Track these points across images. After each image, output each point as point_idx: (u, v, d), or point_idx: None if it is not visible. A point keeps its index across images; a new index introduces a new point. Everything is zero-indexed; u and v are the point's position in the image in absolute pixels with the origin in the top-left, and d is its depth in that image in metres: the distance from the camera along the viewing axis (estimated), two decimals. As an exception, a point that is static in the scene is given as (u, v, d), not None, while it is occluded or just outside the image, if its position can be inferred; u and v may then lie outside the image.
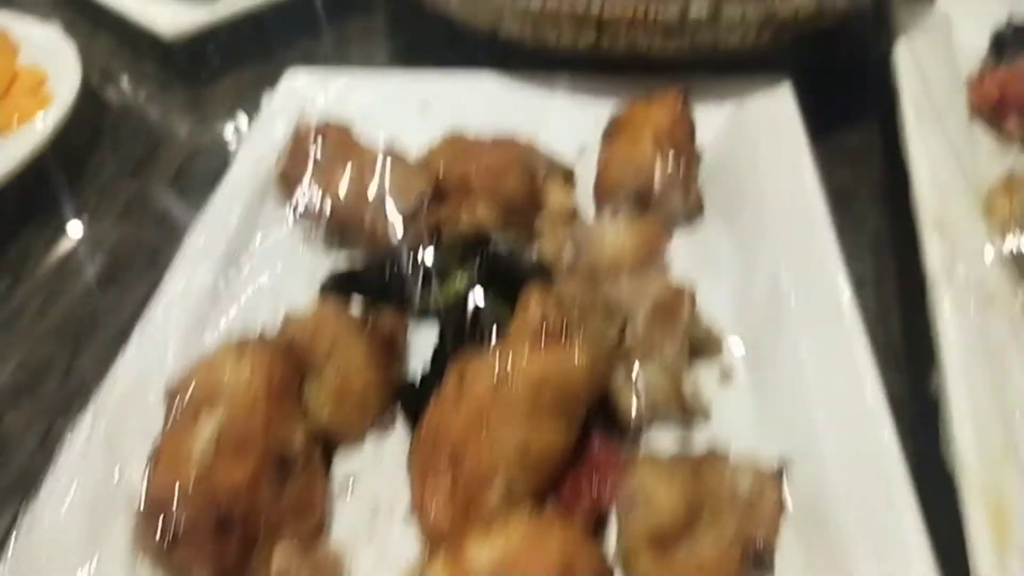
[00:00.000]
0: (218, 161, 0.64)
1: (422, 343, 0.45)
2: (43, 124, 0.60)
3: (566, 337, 0.37)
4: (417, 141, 0.55)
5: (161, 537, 0.33)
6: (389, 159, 0.52)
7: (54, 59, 0.68)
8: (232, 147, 0.66)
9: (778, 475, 0.36)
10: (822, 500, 0.36)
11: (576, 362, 0.36)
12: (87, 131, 0.67)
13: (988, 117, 0.57)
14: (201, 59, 0.73)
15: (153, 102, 0.72)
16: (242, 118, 0.69)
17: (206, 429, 0.35)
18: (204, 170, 0.64)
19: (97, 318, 0.53)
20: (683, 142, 0.49)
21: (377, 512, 0.38)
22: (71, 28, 0.77)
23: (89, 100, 0.68)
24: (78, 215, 0.61)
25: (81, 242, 0.59)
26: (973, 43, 0.64)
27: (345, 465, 0.40)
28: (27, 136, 0.59)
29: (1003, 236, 0.47)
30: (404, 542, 0.37)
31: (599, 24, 0.54)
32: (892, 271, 0.53)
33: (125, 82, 0.74)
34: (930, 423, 0.40)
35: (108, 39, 0.78)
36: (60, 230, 0.60)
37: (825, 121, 0.59)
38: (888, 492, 0.34)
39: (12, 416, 0.47)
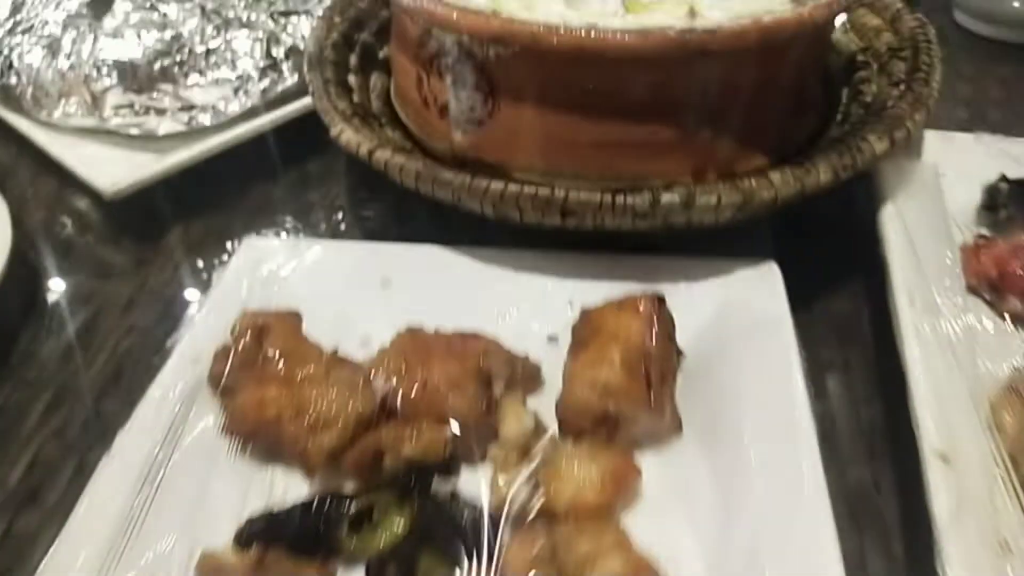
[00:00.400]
0: (158, 337, 0.60)
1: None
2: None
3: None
4: (376, 321, 0.51)
5: None
6: (333, 366, 0.47)
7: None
8: (175, 320, 0.61)
9: None
10: None
11: None
12: (17, 302, 0.62)
13: (986, 292, 0.53)
14: (148, 208, 0.69)
15: (93, 262, 0.67)
16: (189, 282, 0.64)
17: None
18: (142, 349, 0.59)
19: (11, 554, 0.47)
20: (658, 357, 0.45)
21: None
22: (9, 172, 0.74)
23: (21, 265, 0.63)
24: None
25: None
26: (965, 197, 0.61)
27: None
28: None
29: (1014, 462, 0.42)
30: None
31: (564, 209, 0.50)
32: (889, 468, 0.48)
33: (64, 237, 0.70)
34: None
35: (49, 186, 0.74)
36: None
37: (808, 290, 0.55)
38: None
39: None
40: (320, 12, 0.71)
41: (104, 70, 0.70)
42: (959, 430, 0.43)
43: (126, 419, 0.47)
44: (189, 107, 0.70)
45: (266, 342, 0.49)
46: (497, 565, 0.38)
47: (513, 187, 0.50)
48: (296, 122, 0.72)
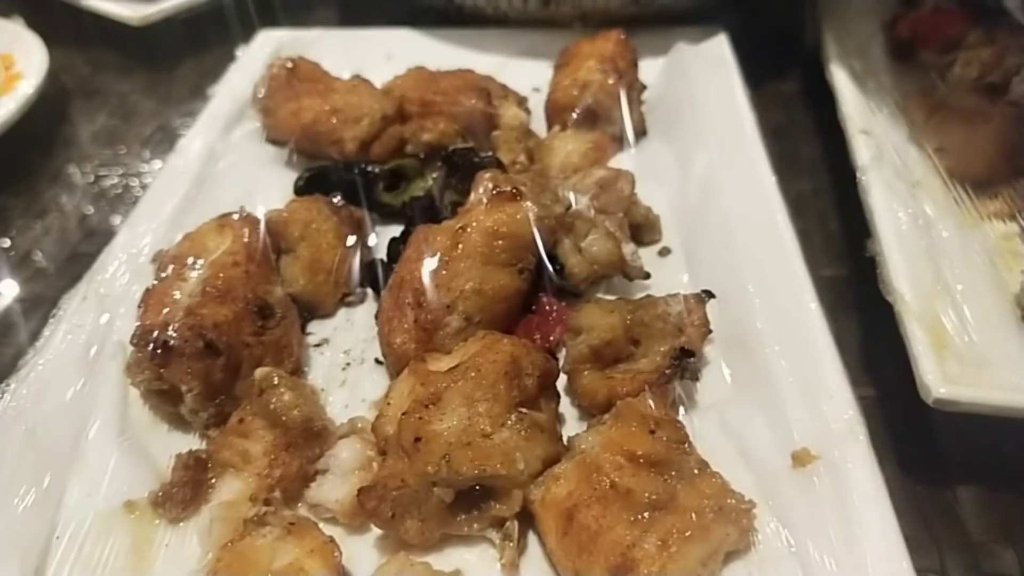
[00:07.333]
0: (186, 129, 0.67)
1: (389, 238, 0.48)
2: (18, 94, 0.63)
3: (518, 197, 0.40)
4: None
5: (152, 357, 0.34)
6: (356, 84, 0.55)
7: (20, 47, 0.70)
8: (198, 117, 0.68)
9: (703, 297, 0.41)
10: (746, 326, 0.40)
11: (525, 215, 0.40)
12: (56, 110, 0.70)
13: (903, 55, 0.63)
14: (159, 45, 0.76)
15: (117, 85, 0.75)
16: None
17: (192, 279, 0.37)
18: (173, 136, 0.66)
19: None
20: (625, 67, 0.54)
21: (349, 363, 0.42)
22: (31, 23, 0.80)
23: (55, 83, 0.71)
24: (55, 176, 0.63)
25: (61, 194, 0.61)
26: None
27: (319, 332, 0.44)
28: (4, 104, 0.61)
29: (925, 134, 0.52)
30: (373, 384, 0.41)
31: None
32: (828, 183, 0.57)
33: (88, 70, 0.77)
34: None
35: (67, 32, 0.80)
36: (36, 193, 0.61)
37: (760, 70, 0.64)
38: (801, 313, 0.39)
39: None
40: None
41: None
42: (877, 114, 0.52)
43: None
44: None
45: (296, 75, 0.57)
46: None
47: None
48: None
